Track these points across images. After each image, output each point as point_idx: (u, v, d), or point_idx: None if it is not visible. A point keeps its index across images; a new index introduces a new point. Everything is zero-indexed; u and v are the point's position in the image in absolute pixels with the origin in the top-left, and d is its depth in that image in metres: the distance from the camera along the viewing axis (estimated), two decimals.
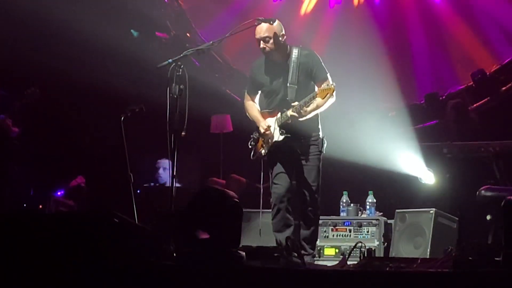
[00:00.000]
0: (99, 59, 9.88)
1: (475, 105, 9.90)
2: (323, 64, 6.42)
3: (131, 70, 9.91)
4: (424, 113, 10.36)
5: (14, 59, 9.47)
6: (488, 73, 10.32)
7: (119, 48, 9.95)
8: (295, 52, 6.42)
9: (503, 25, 10.40)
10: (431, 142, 8.15)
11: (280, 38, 6.40)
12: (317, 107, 6.30)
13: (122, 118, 7.50)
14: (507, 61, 10.29)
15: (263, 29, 6.38)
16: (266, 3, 11.41)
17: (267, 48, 6.39)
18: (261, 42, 6.40)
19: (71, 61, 9.80)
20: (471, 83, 10.39)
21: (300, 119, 6.24)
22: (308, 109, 6.25)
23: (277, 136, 6.37)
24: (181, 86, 5.91)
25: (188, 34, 11.22)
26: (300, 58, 6.40)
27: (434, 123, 10.08)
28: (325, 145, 6.45)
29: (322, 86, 6.18)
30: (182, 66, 5.95)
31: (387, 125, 9.48)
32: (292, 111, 6.21)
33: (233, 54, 11.39)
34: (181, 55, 6.04)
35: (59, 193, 9.63)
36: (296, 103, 6.22)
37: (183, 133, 5.83)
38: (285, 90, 6.39)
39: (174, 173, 5.78)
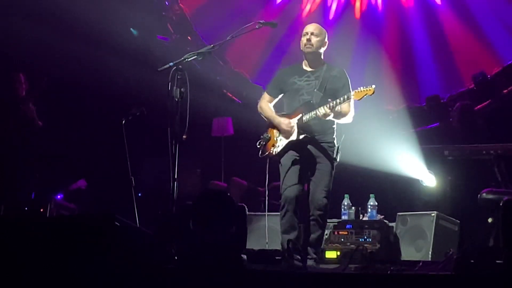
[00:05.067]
0: (100, 63, 9.88)
1: (476, 107, 9.90)
2: (350, 86, 6.49)
3: (132, 73, 9.92)
4: (425, 115, 10.37)
5: (15, 60, 9.50)
6: (489, 76, 10.33)
7: (120, 51, 9.96)
8: (327, 67, 6.54)
9: (504, 27, 10.41)
10: (433, 145, 8.15)
11: (323, 43, 6.53)
12: (338, 114, 6.35)
13: (123, 121, 7.51)
14: (508, 63, 10.30)
15: (314, 25, 6.57)
16: (268, 5, 11.44)
17: (312, 40, 6.47)
18: (309, 34, 6.48)
19: (72, 64, 9.81)
20: (472, 85, 10.40)
21: (326, 118, 6.27)
22: (341, 108, 6.30)
23: (296, 136, 6.39)
24: (182, 89, 5.92)
25: (189, 37, 11.24)
26: (332, 72, 6.51)
27: (436, 125, 10.08)
28: (339, 154, 6.47)
29: (359, 88, 6.21)
30: (183, 69, 5.97)
31: (389, 128, 9.48)
32: (322, 109, 6.23)
33: (234, 57, 11.40)
34: (182, 58, 6.06)
35: (59, 197, 9.63)
36: (330, 100, 6.25)
37: (184, 136, 5.83)
38: (311, 93, 6.43)
39: (175, 176, 5.78)
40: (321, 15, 11.23)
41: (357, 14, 11.27)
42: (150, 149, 9.54)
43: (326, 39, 6.57)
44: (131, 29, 10.72)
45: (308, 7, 11.40)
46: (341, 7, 11.29)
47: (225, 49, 10.65)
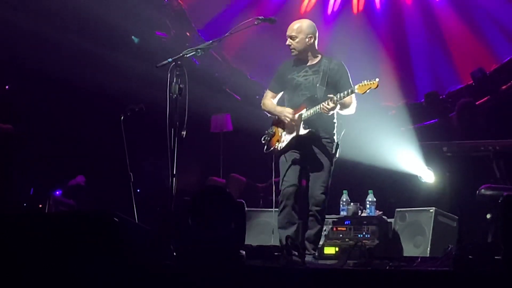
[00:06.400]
0: (98, 59, 9.88)
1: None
2: (349, 76, 6.51)
3: (131, 69, 9.91)
4: (424, 112, 10.37)
5: (13, 57, 9.50)
6: (488, 72, 10.33)
7: (119, 47, 9.95)
8: (325, 60, 6.55)
9: (503, 24, 10.41)
10: (431, 141, 8.15)
11: (307, 40, 6.51)
12: (343, 105, 6.38)
13: (122, 117, 7.50)
14: (507, 60, 10.29)
15: (292, 27, 6.54)
16: (268, 1, 11.43)
17: (292, 45, 6.52)
18: (288, 39, 6.52)
19: (70, 61, 9.80)
20: (471, 82, 10.40)
21: (330, 112, 6.28)
22: (344, 100, 6.33)
23: (301, 131, 6.40)
24: (180, 86, 5.92)
25: (188, 33, 11.23)
26: (331, 65, 6.52)
27: (434, 122, 10.08)
28: (339, 150, 6.48)
29: (363, 82, 6.22)
30: (181, 66, 5.97)
31: (387, 124, 9.48)
32: (326, 103, 6.24)
33: (233, 53, 11.39)
34: (181, 54, 6.06)
35: (57, 193, 9.63)
36: (331, 95, 6.26)
37: (183, 133, 5.83)
38: (312, 89, 6.45)
39: (174, 173, 5.79)
40: (320, 11, 11.23)
41: (356, 10, 11.25)
42: (149, 145, 9.54)
43: (310, 34, 6.51)
44: (133, 36, 10.71)
45: (306, 3, 11.39)
46: (340, 3, 11.28)
47: (224, 45, 10.64)
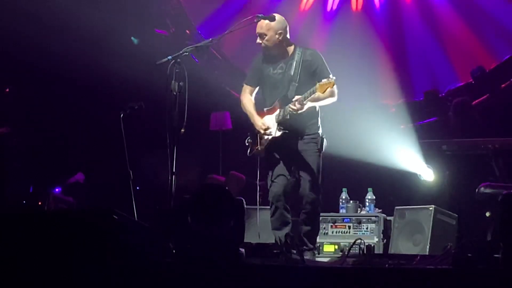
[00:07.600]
0: (97, 56, 9.86)
1: (474, 102, 9.90)
2: (326, 64, 6.45)
3: (131, 67, 9.90)
4: (423, 110, 10.37)
5: (12, 54, 9.49)
6: (487, 70, 10.33)
7: (119, 44, 9.94)
8: (299, 51, 6.47)
9: (502, 22, 10.41)
10: (431, 139, 8.15)
11: (277, 36, 6.43)
12: (317, 100, 6.32)
13: (122, 115, 7.50)
14: (506, 58, 10.29)
15: (261, 25, 6.45)
16: None
17: (262, 43, 6.46)
18: (258, 37, 6.46)
19: (70, 58, 9.79)
20: (471, 80, 10.40)
21: (299, 112, 6.24)
22: (308, 103, 6.29)
23: (275, 133, 6.38)
24: (180, 83, 5.92)
25: (187, 31, 11.22)
26: (304, 57, 6.44)
27: (434, 120, 10.08)
28: (324, 143, 6.45)
29: (323, 81, 6.18)
30: (181, 63, 5.96)
31: (387, 122, 9.48)
32: (292, 105, 6.21)
33: (233, 51, 11.38)
34: (181, 52, 6.05)
35: (57, 190, 9.63)
36: (297, 97, 6.23)
37: (182, 130, 5.83)
38: (286, 86, 6.41)
39: (174, 170, 5.78)
40: (319, 9, 11.22)
41: (355, 8, 11.25)
42: (149, 143, 9.53)
43: (279, 29, 6.43)
44: (132, 37, 10.70)
45: (306, 1, 11.38)
46: (339, 1, 11.28)
47: (223, 43, 10.64)
